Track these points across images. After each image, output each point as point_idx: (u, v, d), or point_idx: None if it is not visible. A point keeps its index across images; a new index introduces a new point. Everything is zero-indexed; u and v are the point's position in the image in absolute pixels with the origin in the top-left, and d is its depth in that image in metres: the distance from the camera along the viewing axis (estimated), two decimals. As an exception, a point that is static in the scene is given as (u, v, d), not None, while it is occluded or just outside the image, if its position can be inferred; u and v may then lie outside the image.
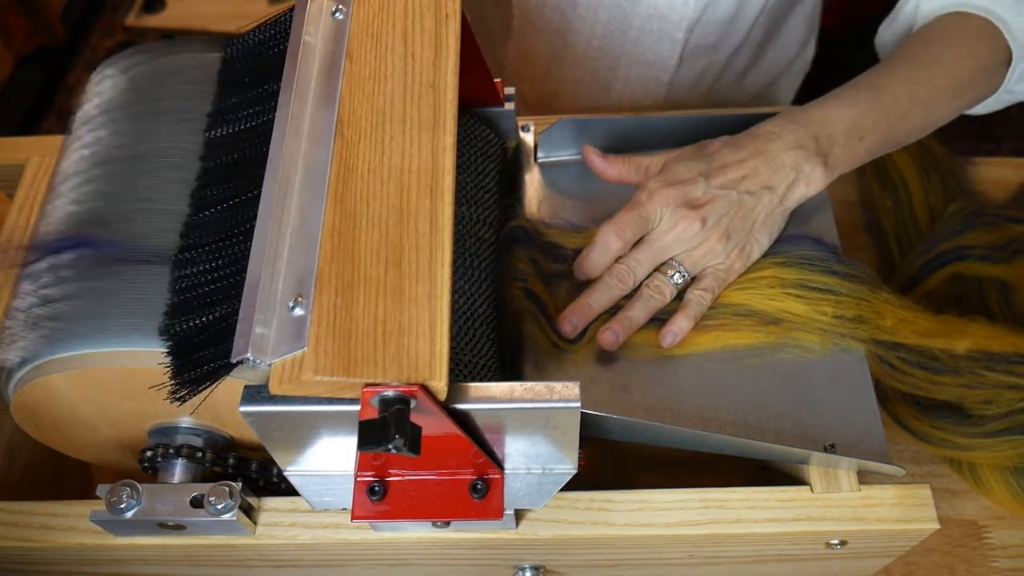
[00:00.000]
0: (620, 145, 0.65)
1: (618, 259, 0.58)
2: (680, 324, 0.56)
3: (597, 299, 0.57)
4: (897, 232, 0.74)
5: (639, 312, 0.57)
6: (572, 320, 0.56)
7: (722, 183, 0.57)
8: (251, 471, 0.55)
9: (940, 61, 0.60)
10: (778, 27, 0.88)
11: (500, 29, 0.90)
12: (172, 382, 0.44)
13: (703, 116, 0.66)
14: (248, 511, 0.52)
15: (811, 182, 0.58)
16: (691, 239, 0.57)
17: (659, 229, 0.58)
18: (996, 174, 0.78)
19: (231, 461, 0.54)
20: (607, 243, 0.57)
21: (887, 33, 0.69)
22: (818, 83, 0.75)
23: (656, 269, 0.58)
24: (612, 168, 0.62)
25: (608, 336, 0.56)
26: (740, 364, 0.56)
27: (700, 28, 0.80)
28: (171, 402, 0.44)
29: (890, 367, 0.58)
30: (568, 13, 0.80)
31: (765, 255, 0.60)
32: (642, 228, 0.58)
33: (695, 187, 0.57)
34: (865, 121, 0.58)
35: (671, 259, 0.58)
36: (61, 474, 0.69)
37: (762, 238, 0.59)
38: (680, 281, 0.58)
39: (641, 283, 0.58)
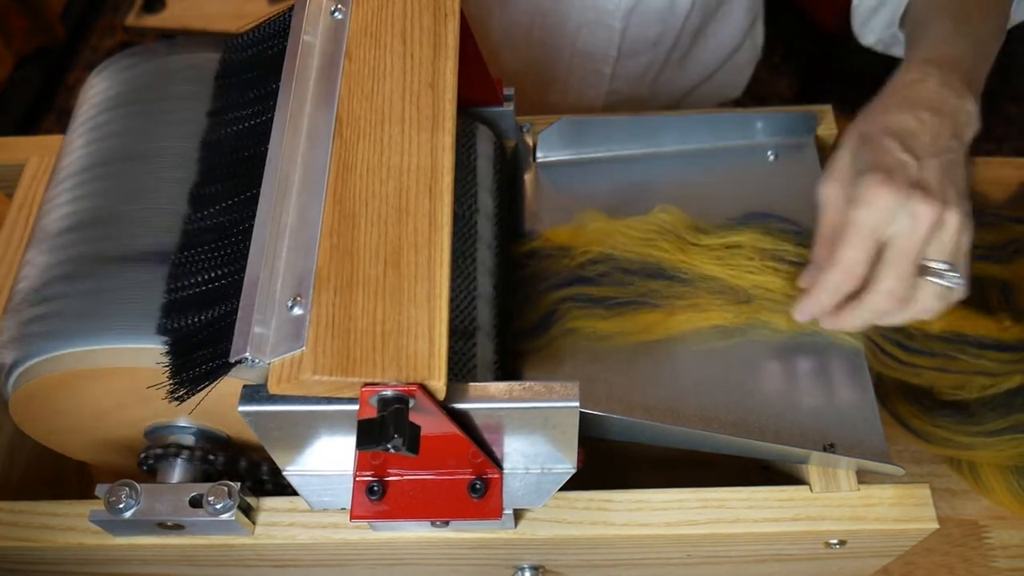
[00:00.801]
0: (620, 145, 0.65)
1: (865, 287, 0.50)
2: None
3: (864, 316, 0.50)
4: None
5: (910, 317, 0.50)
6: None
7: (931, 150, 0.49)
8: (241, 469, 0.55)
9: None
10: (715, 14, 0.88)
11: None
12: (170, 381, 0.44)
13: (703, 116, 0.66)
14: (247, 511, 0.52)
15: (974, 121, 0.52)
16: (939, 227, 0.48)
17: (901, 234, 0.48)
18: (996, 174, 0.77)
19: (220, 458, 0.54)
20: (846, 279, 0.49)
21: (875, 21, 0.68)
22: (818, 83, 0.76)
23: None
24: (821, 258, 0.52)
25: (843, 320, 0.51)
26: (740, 363, 0.56)
27: (636, 18, 0.80)
28: (169, 401, 0.44)
29: (869, 341, 0.57)
30: (508, 4, 0.80)
31: (743, 224, 0.58)
32: (874, 251, 0.49)
33: (910, 168, 0.48)
34: (979, 50, 0.55)
35: (928, 259, 0.49)
36: (61, 474, 0.69)
37: (968, 194, 0.51)
38: (961, 283, 0.49)
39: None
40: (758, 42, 0.95)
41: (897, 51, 0.72)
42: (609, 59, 0.84)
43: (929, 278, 0.49)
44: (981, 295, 0.68)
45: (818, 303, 0.51)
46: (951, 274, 0.49)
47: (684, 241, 0.58)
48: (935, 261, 0.49)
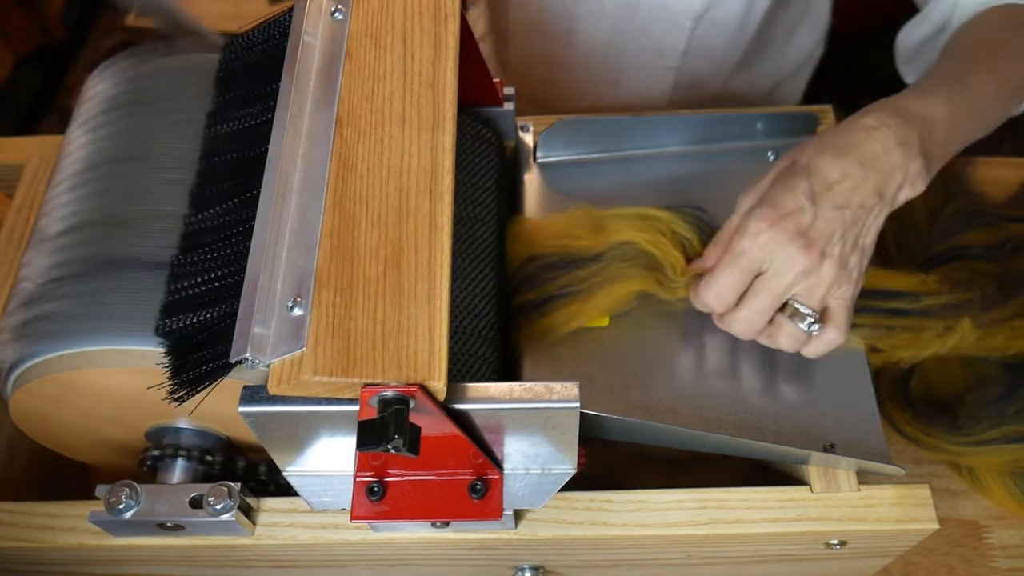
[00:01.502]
0: (620, 145, 0.65)
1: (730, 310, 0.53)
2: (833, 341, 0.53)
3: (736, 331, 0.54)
4: (896, 233, 0.74)
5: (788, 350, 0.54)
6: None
7: (833, 203, 0.51)
8: (238, 470, 0.55)
9: (1018, 53, 0.58)
10: (789, 30, 0.88)
11: (496, 33, 0.90)
12: (170, 382, 0.44)
13: (703, 116, 0.66)
14: (247, 511, 0.52)
15: (915, 183, 0.53)
16: (811, 276, 0.51)
17: (773, 271, 0.51)
18: (996, 174, 0.77)
19: (217, 459, 0.54)
20: (717, 301, 0.53)
21: (916, 33, 0.67)
22: (829, 82, 0.76)
23: (779, 310, 0.53)
24: (711, 258, 0.55)
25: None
26: (740, 364, 0.56)
27: (705, 25, 0.79)
28: (169, 402, 0.44)
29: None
30: (572, 11, 0.80)
31: (663, 208, 0.58)
32: (748, 281, 0.52)
33: (803, 215, 0.50)
34: (958, 118, 0.55)
35: (792, 301, 0.52)
36: (61, 474, 0.69)
37: (871, 247, 0.54)
38: (815, 329, 0.52)
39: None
40: (817, 54, 0.95)
41: None
42: (676, 53, 0.82)
43: (789, 318, 0.52)
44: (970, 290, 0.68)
45: (696, 304, 0.55)
46: (810, 320, 0.52)
47: (598, 223, 0.58)
48: (800, 304, 0.52)
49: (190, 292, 0.47)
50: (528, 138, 0.66)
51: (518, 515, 0.52)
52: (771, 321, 0.53)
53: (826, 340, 0.53)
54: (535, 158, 0.66)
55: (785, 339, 0.53)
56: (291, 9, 0.53)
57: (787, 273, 0.51)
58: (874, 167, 0.52)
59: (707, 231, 0.58)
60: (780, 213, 0.50)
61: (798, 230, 0.50)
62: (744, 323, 0.53)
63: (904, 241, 0.74)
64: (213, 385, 0.44)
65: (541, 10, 0.81)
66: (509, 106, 0.63)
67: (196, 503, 0.50)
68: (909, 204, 0.74)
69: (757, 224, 0.51)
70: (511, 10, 0.84)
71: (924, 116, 0.54)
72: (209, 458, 0.53)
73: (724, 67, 0.86)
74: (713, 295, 0.53)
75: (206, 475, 0.54)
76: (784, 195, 0.51)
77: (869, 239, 0.53)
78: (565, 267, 0.57)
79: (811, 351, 0.54)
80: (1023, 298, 0.61)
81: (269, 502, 0.53)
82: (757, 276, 0.52)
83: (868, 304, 0.57)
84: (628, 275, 0.55)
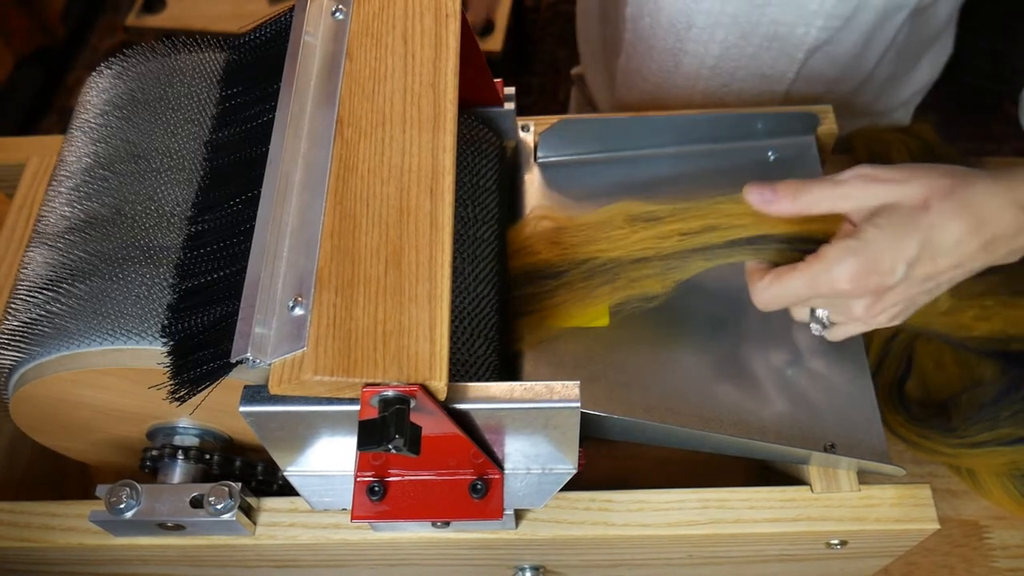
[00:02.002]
0: (620, 145, 0.65)
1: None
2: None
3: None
4: None
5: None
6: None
7: (925, 275, 0.50)
8: (235, 469, 0.55)
9: None
10: (909, 63, 0.85)
11: (613, 42, 0.89)
12: (171, 382, 0.44)
13: (703, 116, 0.66)
14: (248, 511, 0.52)
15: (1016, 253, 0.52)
16: (858, 321, 0.53)
17: (829, 303, 0.54)
18: (996, 174, 0.77)
19: (216, 458, 0.54)
20: (762, 297, 0.53)
21: None
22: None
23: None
24: (783, 203, 0.53)
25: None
26: (741, 364, 0.56)
27: (820, 57, 0.77)
28: (170, 402, 0.44)
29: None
30: (682, 33, 0.78)
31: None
32: (812, 294, 0.52)
33: (891, 278, 0.50)
34: None
35: (818, 311, 0.55)
36: (61, 474, 0.69)
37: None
38: (818, 333, 0.55)
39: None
40: (929, 86, 0.93)
41: None
42: (785, 80, 0.81)
43: (812, 318, 0.55)
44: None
45: (753, 280, 0.53)
46: (825, 327, 0.55)
47: (554, 234, 0.58)
48: (825, 314, 0.54)
49: (191, 292, 0.47)
50: (528, 138, 0.66)
51: (519, 515, 0.52)
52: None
53: (841, 332, 0.54)
54: (535, 158, 0.66)
55: (798, 317, 0.55)
56: (291, 9, 0.53)
57: (841, 311, 0.53)
58: (991, 248, 0.50)
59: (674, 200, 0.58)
60: (870, 271, 0.49)
61: (877, 290, 0.50)
62: (772, 302, 0.53)
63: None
64: (214, 385, 0.44)
65: (652, 27, 0.80)
66: (509, 106, 0.63)
67: (197, 503, 0.50)
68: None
69: (845, 273, 0.50)
70: (626, 22, 0.83)
71: None
72: (208, 457, 0.53)
73: (831, 97, 0.84)
74: (769, 297, 0.52)
75: (207, 474, 0.54)
76: (886, 253, 0.49)
77: (931, 296, 0.53)
78: (559, 275, 0.57)
79: (831, 336, 0.55)
80: (996, 277, 0.58)
81: (270, 502, 0.53)
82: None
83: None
84: (587, 292, 0.56)
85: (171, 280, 0.47)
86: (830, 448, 0.53)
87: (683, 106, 0.86)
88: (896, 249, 0.49)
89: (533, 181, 0.65)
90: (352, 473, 0.49)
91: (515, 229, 0.60)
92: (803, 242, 0.54)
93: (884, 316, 0.52)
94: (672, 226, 0.55)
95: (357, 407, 0.41)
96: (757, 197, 0.53)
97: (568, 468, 0.49)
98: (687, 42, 0.79)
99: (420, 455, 0.40)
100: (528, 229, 0.59)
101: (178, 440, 0.53)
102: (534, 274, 0.58)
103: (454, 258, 0.47)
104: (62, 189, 0.54)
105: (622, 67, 0.88)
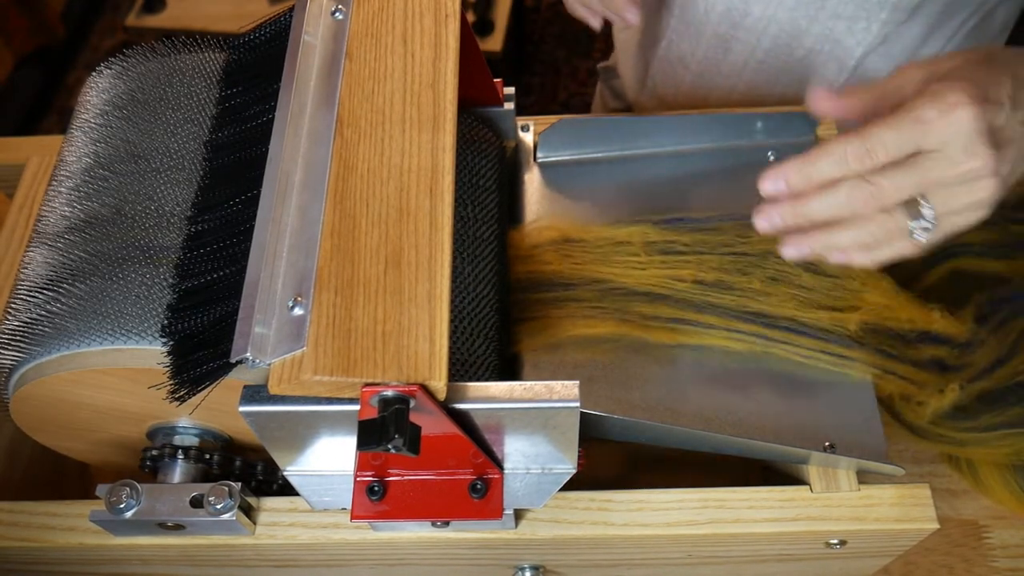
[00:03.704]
0: (620, 145, 0.65)
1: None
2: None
3: (820, 206, 0.45)
4: None
5: (852, 242, 0.46)
6: (772, 216, 0.46)
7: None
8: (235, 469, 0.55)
9: None
10: None
11: (652, 31, 0.87)
12: (171, 381, 0.44)
13: (703, 116, 0.66)
14: (247, 511, 0.52)
15: None
16: (974, 183, 0.44)
17: (942, 157, 0.43)
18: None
19: (216, 458, 0.54)
20: (859, 155, 0.44)
21: None
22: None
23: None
24: (856, 103, 0.48)
25: (793, 249, 0.47)
26: (740, 364, 0.56)
27: (875, 58, 0.75)
28: (170, 402, 0.44)
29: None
30: (737, 21, 0.76)
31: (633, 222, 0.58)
32: (909, 151, 0.44)
33: (1001, 114, 0.43)
34: None
35: (925, 200, 0.45)
36: (61, 474, 0.69)
37: None
38: (926, 239, 0.45)
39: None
40: None
41: None
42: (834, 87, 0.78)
43: (904, 208, 0.46)
44: (980, 291, 0.67)
45: (809, 167, 0.45)
46: (926, 226, 0.45)
47: (566, 247, 0.58)
48: (927, 206, 0.45)
49: (191, 292, 0.47)
50: (528, 138, 0.66)
51: (518, 515, 0.52)
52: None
53: (951, 223, 0.46)
54: (535, 158, 0.66)
55: (878, 229, 0.46)
56: (291, 9, 0.53)
57: (957, 167, 0.43)
58: None
59: (694, 226, 0.58)
60: (985, 96, 0.43)
61: (991, 129, 0.43)
62: (871, 191, 0.44)
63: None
64: (214, 385, 0.44)
65: (707, 11, 0.78)
66: (509, 106, 0.63)
67: (197, 502, 0.50)
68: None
69: (957, 96, 0.43)
70: (673, 7, 0.81)
71: None
72: (208, 457, 0.53)
73: None
74: (864, 148, 0.44)
75: (207, 474, 0.54)
76: (991, 83, 0.44)
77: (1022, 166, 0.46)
78: (526, 290, 0.57)
79: (880, 255, 0.47)
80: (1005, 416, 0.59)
81: (269, 502, 0.53)
82: (914, 155, 0.44)
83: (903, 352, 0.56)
84: (590, 317, 0.55)
85: (171, 280, 0.47)
86: (829, 448, 0.53)
87: (721, 103, 0.82)
88: (995, 82, 0.44)
89: (533, 181, 0.65)
90: (352, 473, 0.49)
91: (521, 234, 0.60)
92: (826, 332, 0.51)
93: (1000, 183, 0.44)
94: (686, 270, 0.55)
95: (357, 407, 0.41)
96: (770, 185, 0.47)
97: (568, 468, 0.49)
98: (740, 30, 0.76)
99: (420, 455, 0.40)
100: (536, 238, 0.59)
101: (178, 440, 0.53)
102: (541, 282, 0.57)
103: (454, 258, 0.47)
104: (62, 189, 0.54)
105: (661, 55, 0.85)
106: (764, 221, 0.47)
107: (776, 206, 0.46)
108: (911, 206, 0.45)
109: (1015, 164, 0.45)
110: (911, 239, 0.46)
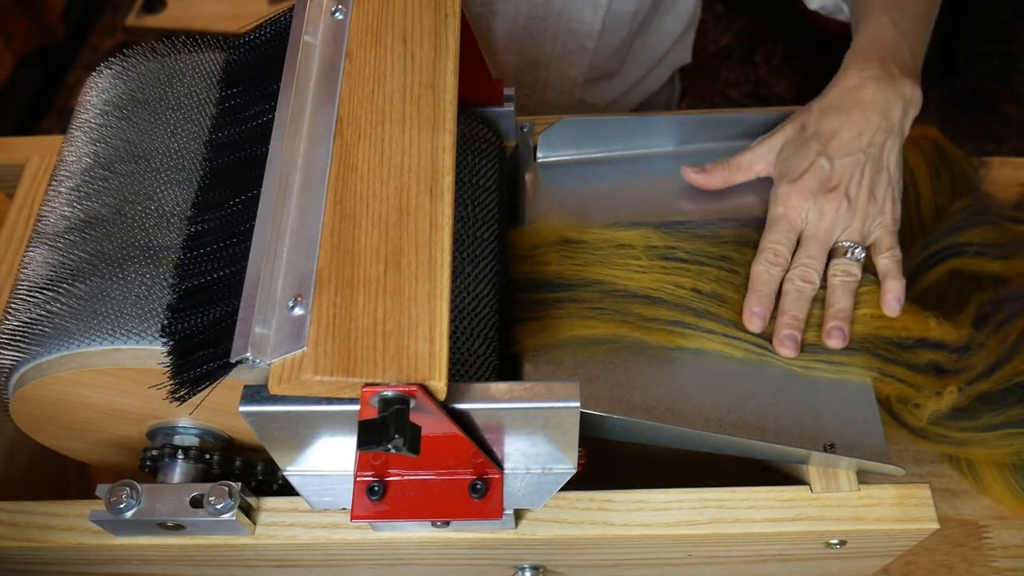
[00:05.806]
0: (620, 145, 0.65)
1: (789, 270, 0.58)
2: (897, 287, 0.58)
3: (796, 308, 0.57)
4: (901, 231, 0.74)
5: (844, 300, 0.57)
6: (758, 319, 0.56)
7: (844, 150, 0.58)
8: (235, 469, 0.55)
9: None
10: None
11: None
12: (171, 382, 0.44)
13: (703, 116, 0.66)
14: (247, 511, 0.52)
15: (914, 101, 0.60)
16: (845, 217, 0.58)
17: (811, 224, 0.58)
18: (997, 174, 0.77)
19: (216, 458, 0.54)
20: (770, 272, 0.57)
21: None
22: (818, 83, 0.75)
23: (829, 257, 0.59)
24: (714, 178, 0.63)
25: (789, 344, 0.56)
26: (740, 364, 0.56)
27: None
28: (170, 402, 0.44)
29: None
30: None
31: (635, 225, 0.60)
32: (794, 237, 0.58)
33: (821, 170, 0.58)
34: (910, 31, 0.61)
35: (837, 241, 0.59)
36: (61, 474, 0.69)
37: (897, 172, 0.60)
38: (862, 256, 0.58)
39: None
40: (697, 13, 1.00)
41: (842, 16, 0.76)
42: (593, 34, 0.86)
43: (841, 257, 0.58)
44: (979, 292, 0.67)
45: (756, 294, 0.57)
46: (858, 250, 0.58)
47: (566, 247, 0.59)
48: (844, 241, 0.59)
49: (191, 292, 0.47)
50: (529, 138, 0.66)
51: (518, 515, 0.52)
52: (827, 271, 0.58)
53: (897, 292, 0.57)
54: (535, 158, 0.66)
55: (843, 275, 0.58)
56: (291, 9, 0.53)
57: (822, 221, 0.58)
58: (873, 107, 0.58)
59: (696, 232, 0.59)
60: (799, 173, 0.58)
61: (820, 184, 0.58)
62: (802, 271, 0.57)
63: (909, 239, 0.74)
64: (214, 385, 0.44)
65: None
66: (509, 106, 0.63)
67: (197, 502, 0.50)
68: (916, 201, 0.74)
69: (784, 189, 0.58)
70: None
71: (886, 46, 0.60)
72: (208, 457, 0.53)
73: (632, 33, 0.90)
74: (770, 258, 0.57)
75: (207, 474, 0.54)
76: (801, 160, 0.59)
77: (892, 166, 0.60)
78: (526, 290, 0.58)
79: (892, 306, 0.58)
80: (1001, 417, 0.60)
81: (269, 502, 0.53)
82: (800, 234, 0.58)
83: (904, 357, 0.58)
84: (592, 319, 0.56)
85: (171, 280, 0.48)
86: (830, 448, 0.53)
87: (501, 75, 0.88)
88: (803, 156, 0.59)
89: (533, 181, 0.65)
90: (352, 473, 0.49)
91: (521, 234, 0.60)
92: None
93: (863, 197, 0.58)
94: (686, 278, 0.57)
95: (357, 407, 0.41)
96: (697, 178, 0.63)
97: (568, 468, 0.49)
98: (496, 3, 0.84)
99: (420, 455, 0.40)
100: (536, 238, 0.60)
101: (178, 440, 0.53)
102: (541, 282, 0.58)
103: (454, 258, 0.47)
104: (62, 189, 0.54)
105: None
106: (756, 322, 0.57)
107: (758, 324, 0.57)
108: (841, 253, 0.59)
109: (867, 170, 0.59)
110: (855, 262, 0.58)
